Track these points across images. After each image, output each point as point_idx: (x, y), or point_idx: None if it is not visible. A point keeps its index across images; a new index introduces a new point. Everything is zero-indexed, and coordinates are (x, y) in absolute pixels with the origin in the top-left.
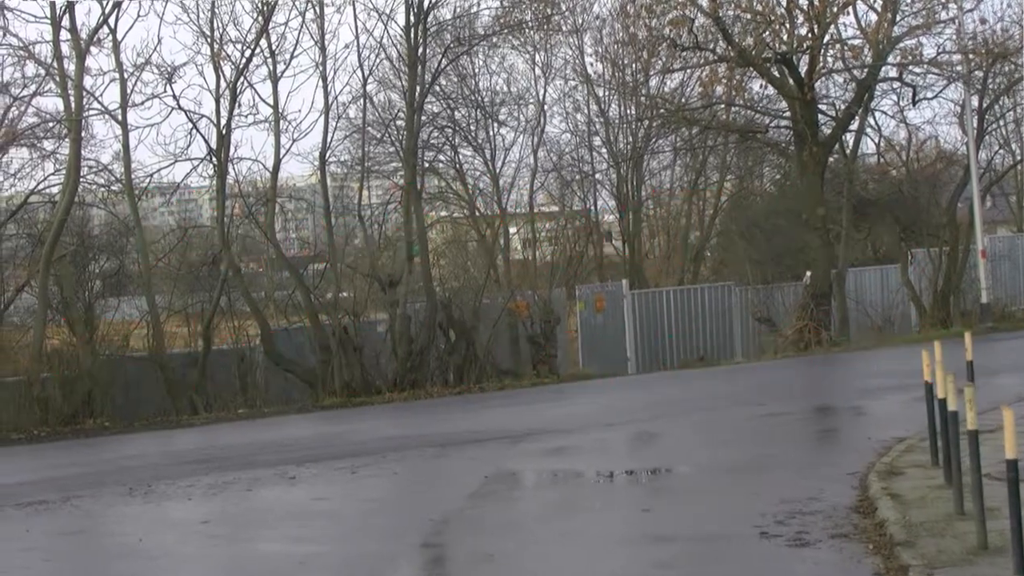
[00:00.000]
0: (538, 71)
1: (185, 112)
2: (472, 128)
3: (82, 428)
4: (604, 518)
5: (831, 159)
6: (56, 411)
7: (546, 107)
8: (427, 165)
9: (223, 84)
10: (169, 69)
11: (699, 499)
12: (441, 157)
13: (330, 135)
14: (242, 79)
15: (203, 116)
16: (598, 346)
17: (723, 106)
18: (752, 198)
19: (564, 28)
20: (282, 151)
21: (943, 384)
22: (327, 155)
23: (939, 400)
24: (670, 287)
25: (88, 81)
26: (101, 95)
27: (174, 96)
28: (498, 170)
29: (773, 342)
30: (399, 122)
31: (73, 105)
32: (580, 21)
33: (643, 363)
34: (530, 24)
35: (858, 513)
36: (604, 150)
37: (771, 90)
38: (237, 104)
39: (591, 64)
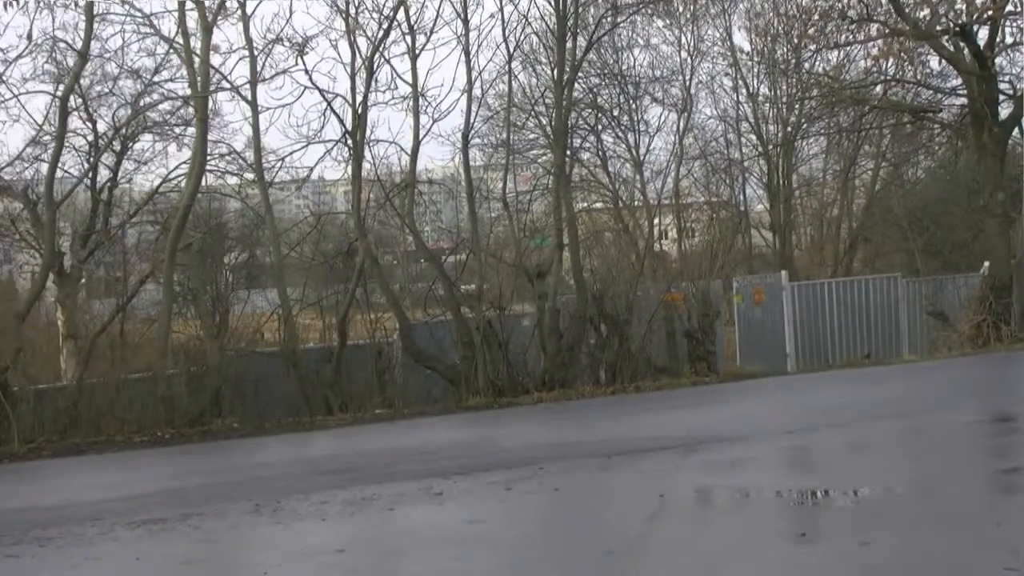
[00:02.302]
0: (684, 53)
1: (319, 90)
2: (616, 113)
3: (209, 430)
4: (816, 552)
5: None
6: (182, 411)
7: (692, 91)
8: (571, 152)
9: (359, 61)
10: (300, 41)
11: (922, 529)
12: (585, 144)
13: (473, 114)
14: (379, 55)
15: (337, 95)
16: (756, 341)
17: (890, 83)
18: (908, 185)
19: (712, 8)
20: (421, 132)
21: None
22: (470, 135)
23: None
24: (832, 279)
25: (217, 61)
26: (230, 73)
27: (306, 71)
28: (642, 157)
29: (947, 338)
30: (540, 107)
31: (200, 83)
32: (728, 1)
33: (804, 360)
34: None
35: None
36: (752, 136)
37: (938, 66)
38: (374, 81)
39: (742, 44)
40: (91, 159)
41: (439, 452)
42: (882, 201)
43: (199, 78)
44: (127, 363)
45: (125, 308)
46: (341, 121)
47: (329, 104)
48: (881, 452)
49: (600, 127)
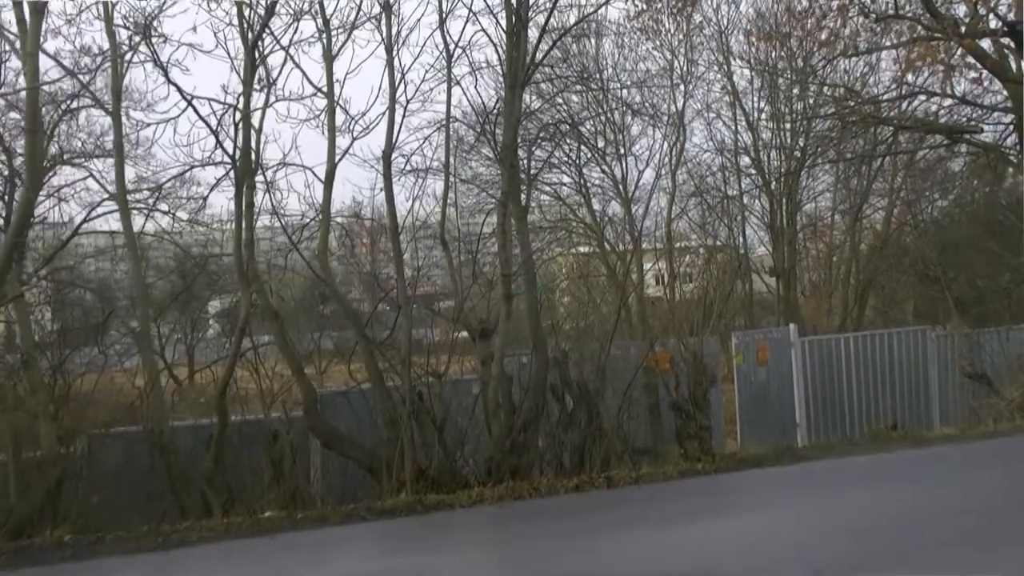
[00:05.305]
0: (678, 80)
1: (178, 89)
2: (601, 144)
3: (31, 545)
4: None
5: None
6: (4, 515)
7: (686, 119)
8: (538, 171)
9: (254, 64)
10: (148, 17)
11: None
12: (565, 179)
13: (396, 128)
14: (268, 37)
15: (231, 107)
16: (760, 408)
17: (919, 97)
18: (923, 225)
19: (707, 29)
20: (338, 153)
21: None
22: (392, 154)
23: None
24: (850, 333)
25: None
26: (90, 82)
27: (156, 61)
28: (631, 195)
29: (991, 407)
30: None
31: (27, 80)
32: (726, 22)
33: (817, 432)
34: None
35: None
36: (753, 170)
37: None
38: (262, 83)
39: (742, 54)
40: (4, 194)
41: None
42: (897, 242)
43: (27, 74)
44: None
45: None
46: (215, 134)
47: (194, 108)
48: None
49: (581, 160)
